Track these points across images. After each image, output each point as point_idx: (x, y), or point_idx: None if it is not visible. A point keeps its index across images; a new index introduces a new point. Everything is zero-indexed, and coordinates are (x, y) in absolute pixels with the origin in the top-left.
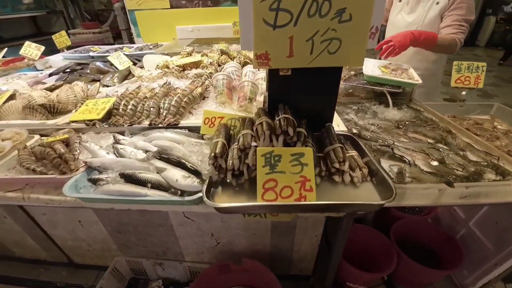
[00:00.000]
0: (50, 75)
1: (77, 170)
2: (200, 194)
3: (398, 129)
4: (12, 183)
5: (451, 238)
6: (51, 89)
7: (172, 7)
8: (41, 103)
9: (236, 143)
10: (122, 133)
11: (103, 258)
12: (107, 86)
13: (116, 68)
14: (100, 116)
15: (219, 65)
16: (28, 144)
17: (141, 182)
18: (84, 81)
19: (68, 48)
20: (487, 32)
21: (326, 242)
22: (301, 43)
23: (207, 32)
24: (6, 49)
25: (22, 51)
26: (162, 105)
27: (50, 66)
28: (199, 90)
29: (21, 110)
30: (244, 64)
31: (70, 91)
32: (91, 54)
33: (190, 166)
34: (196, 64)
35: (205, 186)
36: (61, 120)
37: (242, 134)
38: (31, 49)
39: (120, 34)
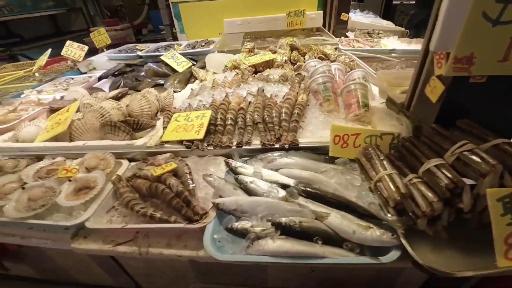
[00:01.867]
0: (100, 78)
1: (206, 214)
2: (397, 253)
3: None
4: (118, 233)
5: None
6: (117, 97)
7: None
8: (117, 117)
9: (416, 176)
10: (229, 156)
11: (175, 284)
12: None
13: (171, 69)
14: (201, 136)
15: (292, 64)
16: (119, 173)
17: (306, 235)
18: (146, 87)
19: (108, 47)
20: None
21: None
22: None
23: (258, 24)
24: (49, 50)
25: (63, 52)
26: (267, 118)
27: (94, 68)
28: (304, 97)
29: (98, 128)
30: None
31: (144, 100)
32: (139, 53)
33: (357, 208)
34: (268, 63)
35: (405, 241)
36: (149, 139)
37: (436, 165)
38: (73, 49)
39: (140, 31)
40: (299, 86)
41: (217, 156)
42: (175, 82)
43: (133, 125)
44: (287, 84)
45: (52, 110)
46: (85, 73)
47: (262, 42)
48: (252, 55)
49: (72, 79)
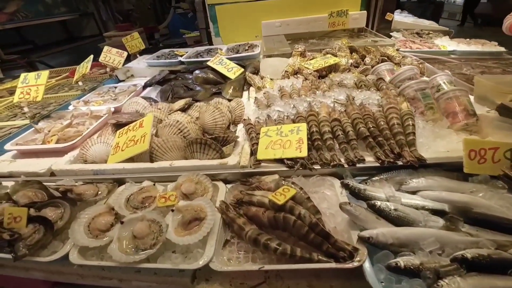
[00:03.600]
0: (144, 86)
1: (357, 251)
2: None
3: None
4: (244, 273)
5: None
6: (183, 109)
7: None
8: (195, 132)
9: None
10: (337, 176)
11: None
12: (229, 100)
13: (220, 76)
14: (304, 153)
15: (355, 67)
16: (220, 198)
17: (497, 269)
18: (204, 96)
19: (141, 53)
20: None
21: None
22: None
23: (297, 26)
24: (92, 56)
25: (101, 58)
26: (374, 130)
27: (132, 75)
28: (408, 105)
29: (181, 146)
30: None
31: (217, 112)
32: (181, 59)
33: None
34: (330, 67)
35: None
36: (239, 158)
37: None
38: (112, 55)
39: (153, 35)
40: (391, 93)
41: (324, 176)
42: (232, 90)
43: (221, 142)
44: (373, 90)
45: (119, 125)
46: (123, 80)
47: (306, 44)
48: (311, 59)
49: (115, 87)
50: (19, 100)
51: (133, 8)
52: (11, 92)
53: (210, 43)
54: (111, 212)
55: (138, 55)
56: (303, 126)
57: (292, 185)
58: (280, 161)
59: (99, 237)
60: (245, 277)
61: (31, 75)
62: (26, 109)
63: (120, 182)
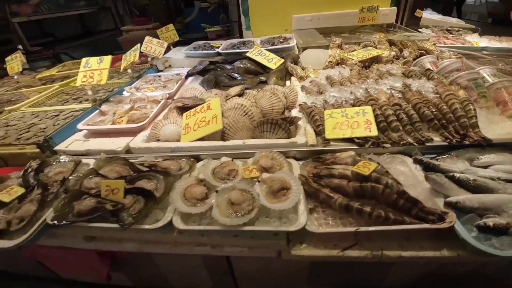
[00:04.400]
0: (187, 76)
1: (445, 214)
2: None
3: None
4: (336, 236)
5: None
6: (239, 94)
7: None
8: (257, 115)
9: None
10: (406, 154)
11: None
12: None
13: (260, 66)
14: (374, 132)
15: (395, 59)
16: (296, 172)
17: None
18: (251, 84)
19: (175, 44)
20: None
21: None
22: None
23: (328, 20)
24: (138, 45)
25: (143, 48)
26: (438, 114)
27: (170, 66)
28: (464, 92)
29: (249, 126)
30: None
31: (274, 98)
32: (218, 50)
33: None
34: (371, 59)
35: None
36: (304, 137)
37: None
38: (153, 45)
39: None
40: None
41: (394, 154)
42: (275, 79)
43: (288, 122)
44: (424, 79)
45: (182, 108)
46: (162, 70)
47: (338, 38)
48: (352, 51)
49: (159, 76)
50: (82, 84)
51: (148, 2)
52: (44, 82)
53: (241, 36)
54: (200, 183)
55: (172, 47)
56: (368, 109)
57: (370, 161)
58: (348, 140)
59: (197, 205)
60: (338, 239)
61: (93, 59)
62: (90, 93)
63: (195, 158)
